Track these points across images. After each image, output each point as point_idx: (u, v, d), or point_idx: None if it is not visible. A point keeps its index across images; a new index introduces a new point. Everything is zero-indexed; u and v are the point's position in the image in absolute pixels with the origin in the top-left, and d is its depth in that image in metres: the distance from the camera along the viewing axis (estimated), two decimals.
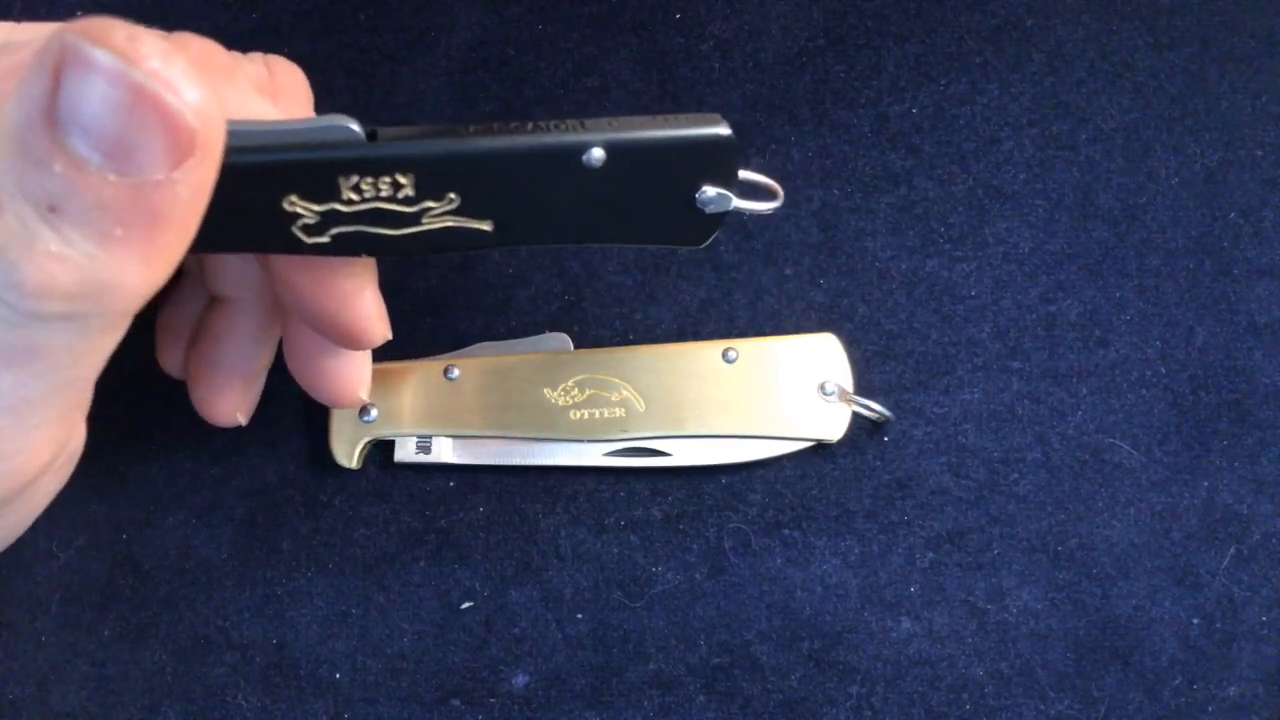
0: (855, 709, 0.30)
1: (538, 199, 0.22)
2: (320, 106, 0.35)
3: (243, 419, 0.29)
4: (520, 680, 0.31)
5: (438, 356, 0.32)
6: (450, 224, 0.22)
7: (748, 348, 0.31)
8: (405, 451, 0.31)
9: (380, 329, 0.26)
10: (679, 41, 0.35)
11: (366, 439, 0.31)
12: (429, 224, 0.22)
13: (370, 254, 0.23)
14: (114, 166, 0.17)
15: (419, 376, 0.32)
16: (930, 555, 0.31)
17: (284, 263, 0.24)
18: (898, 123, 0.34)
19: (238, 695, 0.31)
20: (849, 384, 0.31)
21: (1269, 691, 0.30)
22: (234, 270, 0.28)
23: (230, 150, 0.20)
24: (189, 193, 0.18)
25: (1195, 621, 0.31)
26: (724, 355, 0.31)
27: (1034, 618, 0.31)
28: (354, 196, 0.21)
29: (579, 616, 0.31)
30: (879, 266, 0.33)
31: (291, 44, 0.35)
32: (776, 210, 0.25)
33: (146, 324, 0.30)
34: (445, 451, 0.31)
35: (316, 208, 0.21)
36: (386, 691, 0.31)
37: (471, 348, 0.32)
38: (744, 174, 0.24)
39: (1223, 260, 0.33)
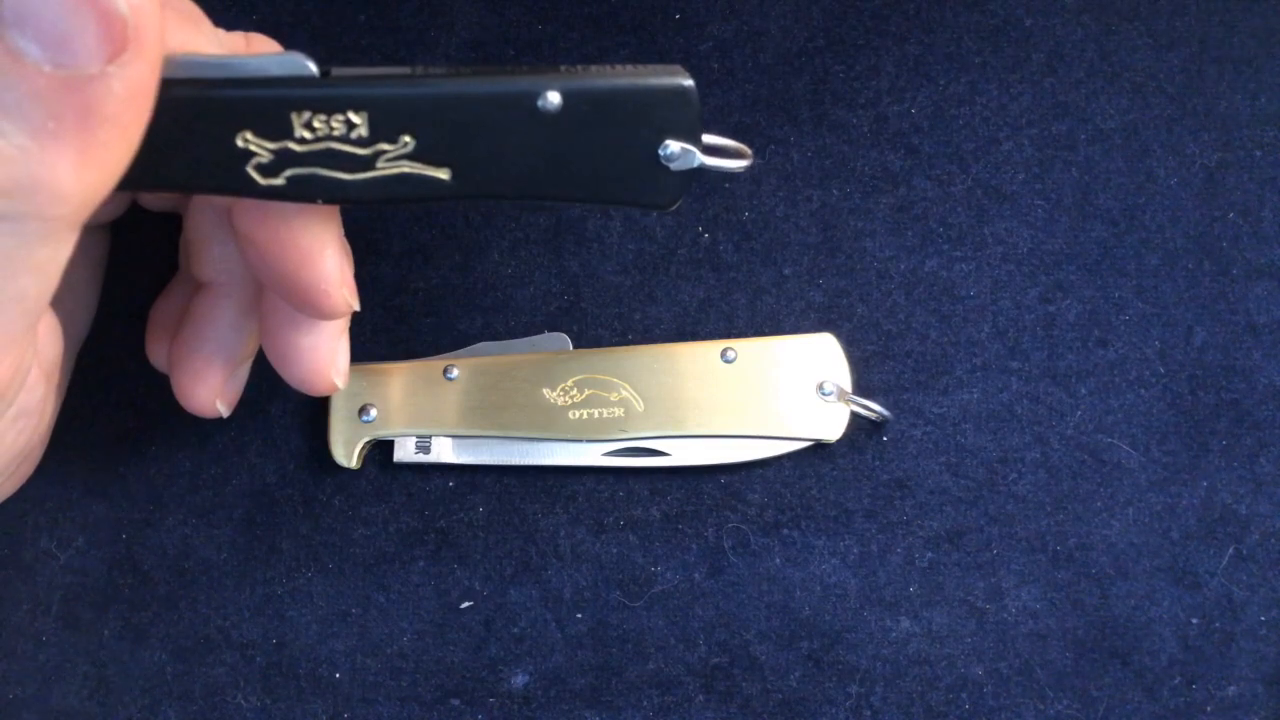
0: (854, 708, 0.30)
1: (494, 146, 0.22)
2: None
3: (224, 409, 0.29)
4: (520, 680, 0.31)
5: (437, 356, 0.32)
6: (406, 169, 0.22)
7: (746, 348, 0.31)
8: (404, 451, 0.32)
9: (343, 295, 0.25)
10: (679, 41, 0.35)
11: (366, 439, 0.31)
12: (385, 169, 0.22)
13: (327, 200, 0.23)
14: (49, 57, 0.17)
15: (418, 376, 0.32)
16: (929, 555, 0.31)
17: (245, 217, 0.24)
18: (897, 123, 0.34)
19: (238, 695, 0.31)
20: (848, 384, 0.31)
21: (1268, 691, 0.30)
22: (216, 253, 0.27)
23: (183, 82, 0.21)
24: (124, 89, 0.18)
25: (1194, 621, 0.31)
26: (723, 355, 0.31)
27: (1033, 617, 0.31)
28: (307, 134, 0.21)
29: (578, 616, 0.31)
30: (878, 266, 0.33)
31: (291, 45, 0.35)
32: (746, 170, 0.24)
33: (144, 323, 0.30)
34: (444, 451, 0.32)
35: (270, 145, 0.21)
36: (386, 691, 0.31)
37: (471, 348, 0.32)
38: (709, 138, 0.23)
39: (1221, 260, 0.33)
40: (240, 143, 0.21)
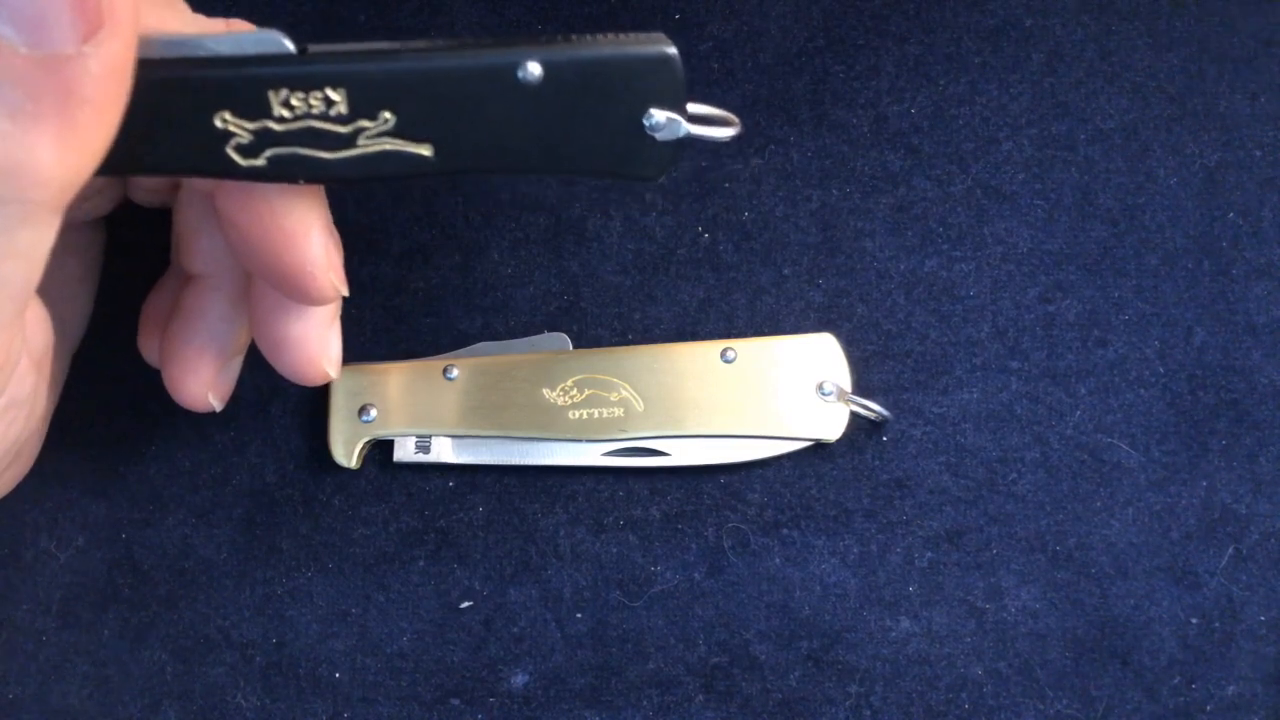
0: (854, 708, 0.30)
1: (476, 120, 0.22)
2: None
3: (216, 403, 0.29)
4: (519, 680, 0.31)
5: (437, 356, 0.32)
6: (388, 147, 0.22)
7: (746, 347, 0.31)
8: (404, 451, 0.32)
9: (330, 279, 0.25)
10: (679, 41, 0.34)
11: (365, 439, 0.31)
12: (366, 146, 0.22)
13: (309, 180, 0.22)
14: (25, 39, 0.17)
15: (418, 376, 0.32)
16: (929, 555, 0.31)
17: (228, 200, 0.24)
18: (896, 123, 0.34)
19: (238, 695, 0.31)
20: (847, 384, 0.31)
21: (1268, 691, 0.30)
22: (205, 244, 0.27)
23: (159, 63, 0.21)
24: (101, 69, 0.18)
25: (1194, 621, 0.31)
26: (722, 355, 0.31)
27: (1032, 617, 0.31)
28: (285, 113, 0.21)
29: (578, 616, 0.31)
30: (877, 266, 0.33)
31: None
32: (734, 138, 0.24)
33: None
34: (444, 451, 0.32)
35: (249, 125, 0.21)
36: (386, 691, 0.31)
37: (471, 347, 0.32)
38: (695, 106, 0.23)
39: (1221, 260, 0.33)
40: (219, 123, 0.21)
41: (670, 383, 0.31)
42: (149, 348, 0.29)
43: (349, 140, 0.22)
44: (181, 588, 0.31)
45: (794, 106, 0.34)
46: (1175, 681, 0.30)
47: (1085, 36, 0.35)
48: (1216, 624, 0.31)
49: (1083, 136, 0.34)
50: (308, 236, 0.24)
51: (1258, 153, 0.34)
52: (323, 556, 0.32)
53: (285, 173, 0.22)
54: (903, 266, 0.33)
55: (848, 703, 0.30)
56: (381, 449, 0.32)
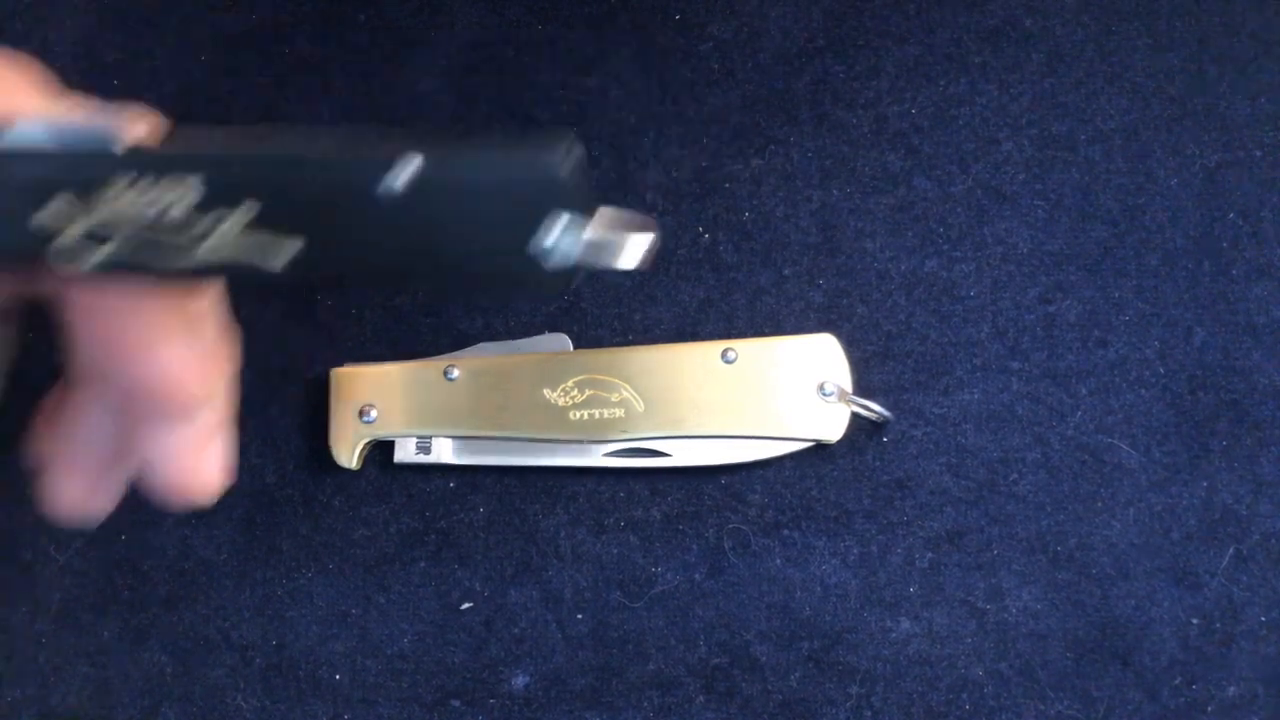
0: (855, 709, 0.30)
1: (332, 229, 0.19)
2: (320, 108, 0.35)
3: (90, 516, 0.24)
4: (520, 680, 0.31)
5: (437, 357, 0.32)
6: (229, 256, 0.19)
7: (747, 348, 0.31)
8: (405, 452, 0.31)
9: (191, 392, 0.21)
10: (679, 41, 0.35)
11: (366, 439, 0.31)
12: (210, 250, 0.19)
13: (150, 281, 0.19)
14: None
15: (419, 377, 0.32)
16: (929, 555, 0.31)
17: (71, 305, 0.21)
18: (897, 123, 0.34)
19: (237, 695, 0.31)
20: (848, 384, 0.31)
21: (1268, 691, 0.30)
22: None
23: None
24: None
25: (1194, 622, 0.31)
26: (723, 355, 0.31)
27: (1033, 618, 0.31)
28: (119, 208, 0.18)
29: (579, 617, 0.31)
30: (878, 267, 0.33)
31: (291, 44, 0.35)
32: (646, 254, 0.19)
33: None
34: (445, 452, 0.31)
35: (79, 222, 0.19)
36: (386, 692, 0.31)
37: (471, 348, 0.32)
38: (603, 214, 0.19)
39: (1221, 261, 0.33)
40: (46, 219, 0.19)
41: (670, 383, 0.31)
42: (34, 450, 0.24)
43: (194, 239, 0.19)
44: (181, 589, 0.31)
45: (794, 106, 0.34)
46: (1176, 682, 0.30)
47: (1085, 36, 0.35)
48: (1217, 625, 0.31)
49: (1083, 137, 0.34)
50: (156, 345, 0.20)
51: (1258, 153, 0.34)
52: (323, 557, 0.32)
53: (120, 275, 0.19)
54: (903, 267, 0.33)
55: (848, 703, 0.30)
56: (382, 450, 0.32)
